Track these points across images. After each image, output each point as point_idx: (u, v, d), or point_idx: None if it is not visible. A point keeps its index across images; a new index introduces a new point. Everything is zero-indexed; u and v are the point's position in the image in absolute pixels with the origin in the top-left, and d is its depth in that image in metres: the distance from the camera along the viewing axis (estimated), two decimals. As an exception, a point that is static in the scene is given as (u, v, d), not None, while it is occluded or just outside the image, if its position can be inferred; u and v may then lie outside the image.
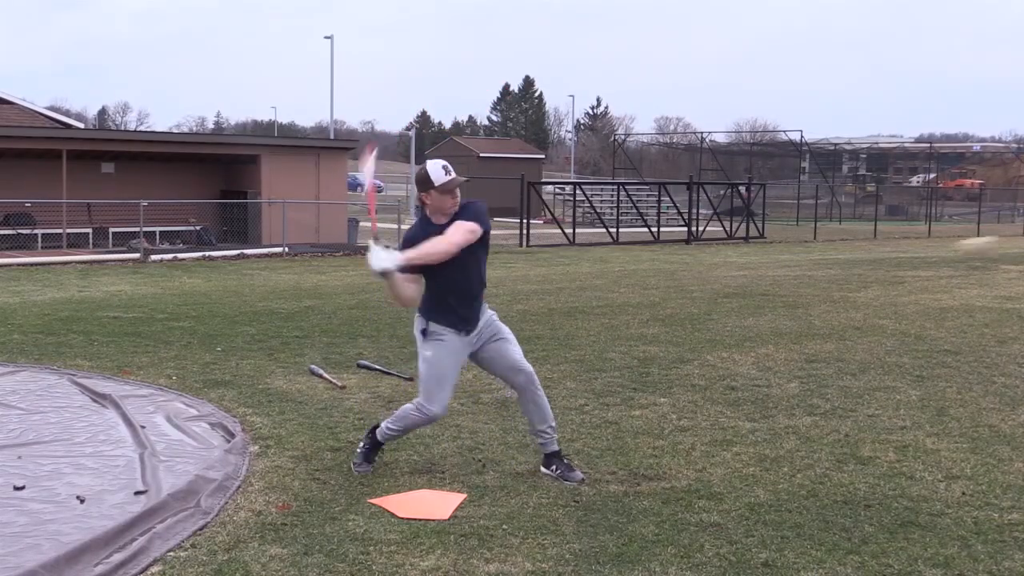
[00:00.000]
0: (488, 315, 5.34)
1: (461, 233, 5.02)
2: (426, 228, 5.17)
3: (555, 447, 5.43)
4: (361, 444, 5.54)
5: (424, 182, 5.10)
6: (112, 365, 8.32)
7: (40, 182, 21.99)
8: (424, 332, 5.22)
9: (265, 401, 7.05)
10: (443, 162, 5.17)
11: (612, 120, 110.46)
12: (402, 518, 4.69)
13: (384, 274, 4.91)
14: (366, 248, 5.12)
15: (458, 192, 5.16)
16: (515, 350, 5.34)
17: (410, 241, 5.12)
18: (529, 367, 5.36)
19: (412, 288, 5.12)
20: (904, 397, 7.47)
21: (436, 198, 5.11)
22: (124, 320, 11.07)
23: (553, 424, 5.44)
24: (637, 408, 7.01)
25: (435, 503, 4.90)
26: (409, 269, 5.00)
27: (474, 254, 5.16)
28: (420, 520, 4.66)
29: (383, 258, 4.88)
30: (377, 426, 5.50)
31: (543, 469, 5.42)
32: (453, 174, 5.13)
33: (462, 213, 5.13)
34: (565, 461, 5.42)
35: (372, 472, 5.39)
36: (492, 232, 5.30)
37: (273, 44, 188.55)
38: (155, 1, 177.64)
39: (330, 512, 4.78)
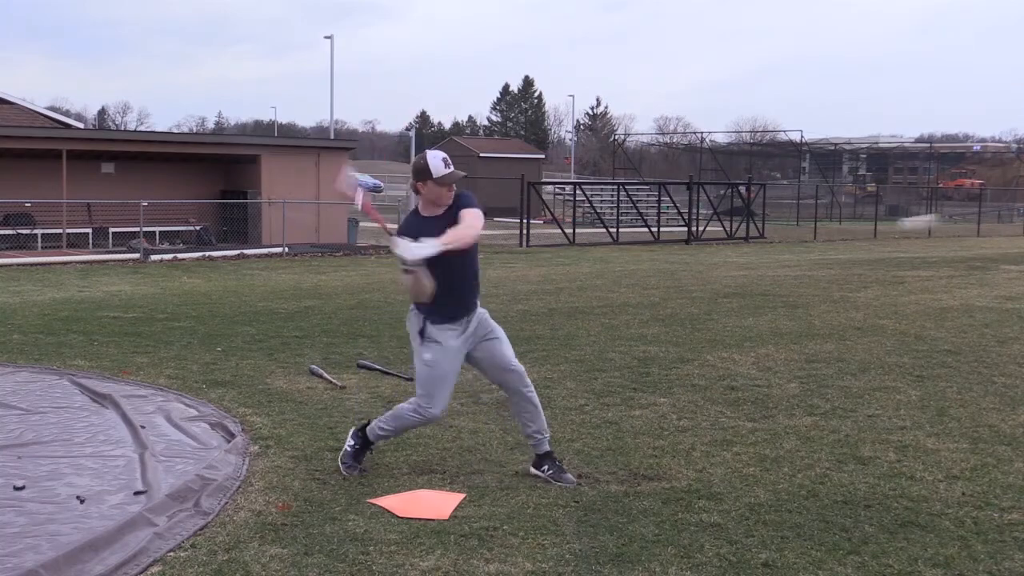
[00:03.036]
0: (481, 312, 5.29)
1: (479, 220, 4.99)
2: (419, 221, 5.09)
3: (547, 447, 5.39)
4: (349, 443, 5.44)
5: (422, 172, 5.02)
6: (112, 365, 8.32)
7: (40, 182, 22.01)
8: (422, 333, 5.15)
9: (265, 401, 7.05)
10: (443, 154, 5.10)
11: (612, 120, 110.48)
12: (402, 518, 4.69)
13: (414, 264, 4.79)
14: (389, 246, 5.05)
15: (454, 186, 5.10)
16: (507, 349, 5.31)
17: (405, 235, 5.01)
18: (520, 366, 5.33)
19: (432, 280, 4.98)
20: (904, 397, 7.47)
21: (431, 189, 5.03)
22: (124, 320, 11.07)
23: (545, 425, 5.43)
24: (637, 408, 7.01)
25: (435, 503, 4.90)
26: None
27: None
28: (420, 520, 4.66)
29: (417, 247, 4.77)
30: (366, 424, 5.46)
31: (533, 470, 5.37)
32: (452, 168, 5.06)
33: (463, 203, 5.07)
34: (557, 462, 5.37)
35: (369, 472, 5.39)
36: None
37: (273, 44, 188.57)
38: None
39: (330, 512, 4.78)
